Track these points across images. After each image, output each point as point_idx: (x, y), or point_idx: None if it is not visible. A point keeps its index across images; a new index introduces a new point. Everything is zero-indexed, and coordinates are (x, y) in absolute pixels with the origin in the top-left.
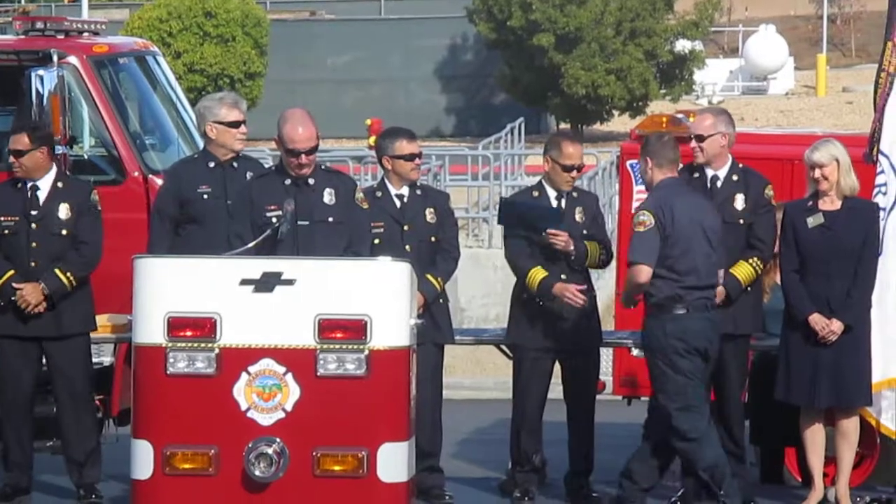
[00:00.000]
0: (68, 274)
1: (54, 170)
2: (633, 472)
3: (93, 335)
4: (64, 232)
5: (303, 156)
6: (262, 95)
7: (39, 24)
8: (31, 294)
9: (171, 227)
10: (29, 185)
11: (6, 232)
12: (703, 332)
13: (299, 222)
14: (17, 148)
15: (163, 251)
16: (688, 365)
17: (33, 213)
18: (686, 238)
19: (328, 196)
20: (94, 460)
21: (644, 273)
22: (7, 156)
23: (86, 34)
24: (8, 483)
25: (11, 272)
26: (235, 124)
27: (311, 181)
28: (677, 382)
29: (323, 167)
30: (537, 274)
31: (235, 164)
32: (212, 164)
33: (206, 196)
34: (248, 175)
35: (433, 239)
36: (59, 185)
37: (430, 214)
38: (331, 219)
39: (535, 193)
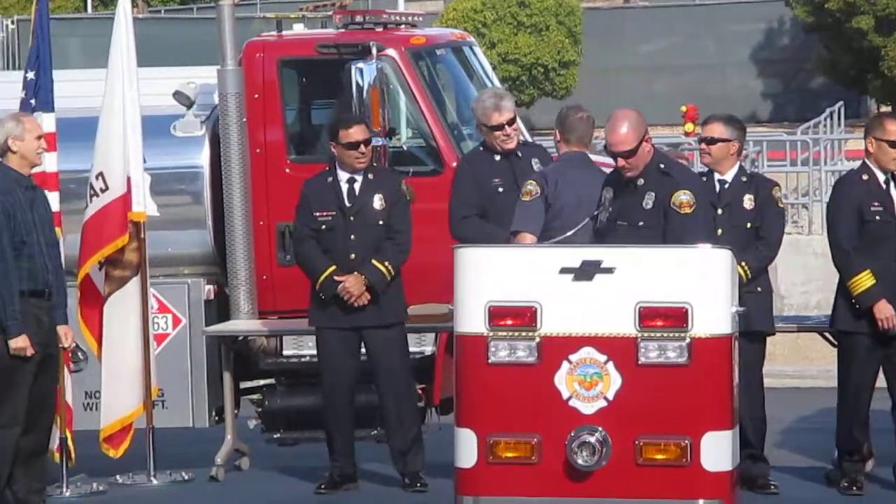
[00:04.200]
0: (386, 264)
1: None
2: None
3: (414, 324)
4: (380, 222)
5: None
6: (576, 84)
7: (359, 18)
8: (353, 286)
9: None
10: (344, 178)
11: (324, 227)
12: None
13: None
14: (362, 139)
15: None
16: None
17: (349, 205)
18: (568, 211)
19: (535, 165)
20: (417, 448)
21: (526, 238)
22: (328, 147)
23: (403, 26)
24: (334, 471)
25: (333, 267)
26: (498, 127)
27: (519, 153)
28: None
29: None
30: (864, 281)
31: (520, 153)
32: (498, 158)
33: (500, 189)
34: (534, 162)
35: (749, 226)
36: (370, 176)
37: (747, 201)
38: None
39: (864, 177)
